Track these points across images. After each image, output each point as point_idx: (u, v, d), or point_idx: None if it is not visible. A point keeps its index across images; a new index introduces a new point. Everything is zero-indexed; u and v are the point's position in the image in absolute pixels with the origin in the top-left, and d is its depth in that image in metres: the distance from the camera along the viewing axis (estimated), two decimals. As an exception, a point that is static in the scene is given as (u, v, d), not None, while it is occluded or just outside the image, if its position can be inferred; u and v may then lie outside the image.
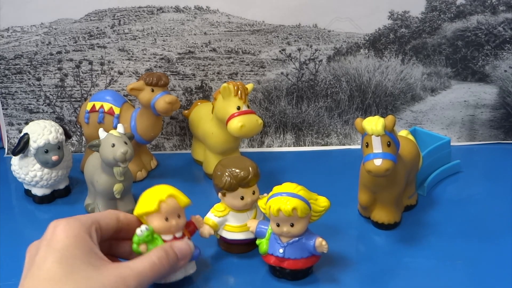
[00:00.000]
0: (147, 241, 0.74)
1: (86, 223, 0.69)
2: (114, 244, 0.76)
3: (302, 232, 0.76)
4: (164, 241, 0.75)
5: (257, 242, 0.80)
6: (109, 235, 0.73)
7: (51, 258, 0.64)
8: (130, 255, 0.76)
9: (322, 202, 0.76)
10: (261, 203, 0.78)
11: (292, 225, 0.75)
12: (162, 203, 0.73)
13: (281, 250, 0.77)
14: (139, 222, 0.76)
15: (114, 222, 0.74)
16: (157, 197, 0.74)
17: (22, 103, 1.15)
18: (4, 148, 1.17)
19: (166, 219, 0.74)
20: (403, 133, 0.97)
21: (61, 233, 0.66)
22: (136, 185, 1.02)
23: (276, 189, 0.77)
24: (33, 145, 0.94)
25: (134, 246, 0.74)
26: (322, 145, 1.18)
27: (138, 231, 0.74)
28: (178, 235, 0.76)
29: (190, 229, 0.79)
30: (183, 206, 0.75)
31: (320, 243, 0.76)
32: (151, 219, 0.74)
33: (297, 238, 0.76)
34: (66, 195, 1.01)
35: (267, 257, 0.79)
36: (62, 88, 1.14)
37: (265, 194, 0.88)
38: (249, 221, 0.82)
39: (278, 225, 0.76)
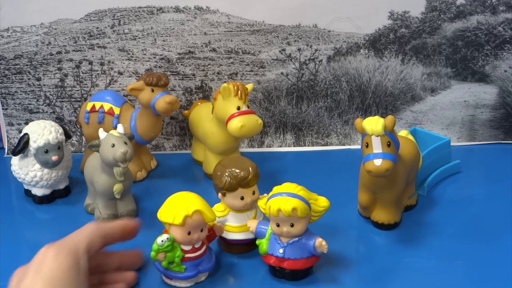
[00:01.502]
0: (167, 250, 0.74)
1: (78, 251, 0.68)
2: (102, 256, 0.77)
3: (302, 232, 0.76)
4: (183, 250, 0.76)
5: (257, 242, 0.80)
6: (97, 251, 0.73)
7: (39, 286, 0.63)
8: (119, 266, 0.76)
9: (322, 202, 0.76)
10: (261, 203, 0.78)
11: (292, 225, 0.75)
12: (188, 219, 0.74)
13: (281, 250, 0.77)
14: (124, 230, 0.76)
15: (100, 243, 0.73)
16: (184, 211, 0.74)
17: (22, 103, 1.15)
18: (4, 148, 1.17)
19: (189, 233, 0.75)
20: (403, 133, 0.97)
21: (51, 262, 0.65)
22: (136, 185, 1.02)
23: (276, 189, 0.77)
24: (33, 145, 0.94)
25: (153, 254, 0.75)
26: (322, 145, 1.18)
27: (159, 240, 0.74)
28: (197, 245, 0.77)
29: (209, 236, 0.79)
30: (208, 222, 0.76)
31: (320, 243, 0.76)
32: (174, 230, 0.75)
33: (297, 238, 0.76)
34: (66, 195, 1.01)
35: (267, 257, 0.79)
36: (62, 88, 1.14)
37: (265, 194, 0.88)
38: (249, 221, 0.82)
39: (278, 225, 0.76)
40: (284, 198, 0.75)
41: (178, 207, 0.74)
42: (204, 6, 1.10)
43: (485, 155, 1.13)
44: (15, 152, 0.95)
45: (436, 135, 1.05)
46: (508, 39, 1.11)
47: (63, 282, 0.64)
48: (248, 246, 0.85)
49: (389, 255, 0.85)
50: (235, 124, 0.94)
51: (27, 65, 1.12)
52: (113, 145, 0.86)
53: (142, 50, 1.12)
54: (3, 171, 1.10)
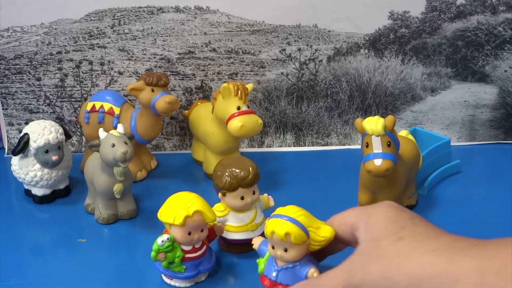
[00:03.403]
0: (167, 251, 0.74)
1: None
2: None
3: (297, 259, 0.71)
4: (183, 250, 0.76)
5: (257, 261, 0.77)
6: None
7: None
8: None
9: (323, 232, 0.71)
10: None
11: (285, 250, 0.71)
12: (188, 219, 0.74)
13: (274, 274, 0.73)
14: None
15: None
16: (184, 211, 0.73)
17: (22, 103, 1.15)
18: (4, 148, 1.17)
19: (189, 233, 0.75)
20: (403, 133, 0.97)
21: None
22: (136, 185, 1.02)
23: (279, 210, 0.72)
24: (33, 145, 0.94)
25: (153, 254, 0.75)
26: (322, 145, 1.18)
27: (159, 240, 0.74)
28: (197, 246, 0.77)
29: (209, 236, 0.79)
30: (208, 222, 0.76)
31: (312, 274, 0.71)
32: (174, 230, 0.75)
33: (291, 264, 0.72)
34: (66, 195, 1.01)
35: (262, 278, 0.75)
36: (62, 88, 1.14)
37: (266, 194, 0.88)
38: (254, 238, 0.79)
39: (273, 247, 0.72)
40: (281, 221, 0.70)
41: (179, 207, 0.74)
42: (204, 6, 1.10)
43: (485, 155, 1.13)
44: (15, 152, 0.95)
45: (436, 135, 1.05)
46: (508, 39, 1.11)
47: None
48: (248, 246, 0.84)
49: (389, 255, 0.84)
50: (235, 124, 0.94)
51: (27, 65, 1.12)
52: (113, 145, 0.86)
53: (142, 50, 1.12)
54: (3, 171, 1.10)
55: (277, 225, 0.70)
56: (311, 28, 1.12)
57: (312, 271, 0.71)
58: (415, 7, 1.11)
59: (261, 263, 0.76)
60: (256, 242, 0.78)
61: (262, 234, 0.81)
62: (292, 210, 0.71)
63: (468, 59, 1.14)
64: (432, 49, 1.14)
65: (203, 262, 0.78)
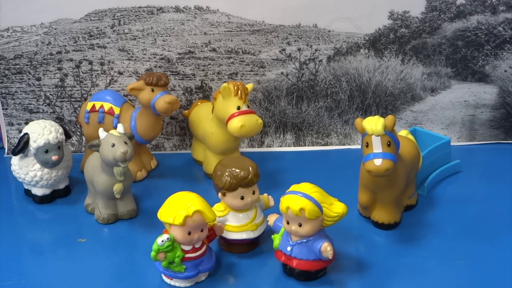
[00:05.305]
0: (167, 250, 0.74)
1: None
2: None
3: (311, 234, 0.76)
4: (183, 250, 0.76)
5: (272, 236, 0.80)
6: None
7: None
8: None
9: (336, 208, 0.76)
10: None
11: (300, 225, 0.75)
12: (188, 219, 0.74)
13: (288, 248, 0.77)
14: None
15: None
16: (184, 211, 0.74)
17: (22, 103, 1.15)
18: (4, 148, 1.17)
19: (189, 233, 0.75)
20: (403, 133, 0.97)
21: None
22: (136, 185, 1.02)
23: (293, 187, 0.77)
24: (33, 145, 0.94)
25: (153, 254, 0.75)
26: (322, 145, 1.18)
27: (159, 240, 0.74)
28: (197, 245, 0.77)
29: (209, 236, 0.79)
30: (208, 222, 0.76)
31: (325, 248, 0.75)
32: (174, 229, 0.75)
33: (305, 239, 0.76)
34: (66, 195, 1.01)
35: (278, 253, 0.79)
36: (62, 88, 1.14)
37: (265, 194, 0.88)
38: (270, 215, 0.83)
39: (288, 223, 0.76)
40: (296, 197, 0.74)
41: (179, 207, 0.74)
42: (204, 6, 1.10)
43: (485, 155, 1.13)
44: (15, 152, 0.95)
45: (436, 135, 1.05)
46: (508, 39, 1.11)
47: None
48: (248, 246, 0.85)
49: (389, 255, 0.85)
50: (235, 124, 0.94)
51: (27, 65, 1.12)
52: (113, 145, 0.86)
53: (142, 50, 1.12)
54: (3, 171, 1.10)
55: (292, 201, 0.74)
56: (311, 28, 1.12)
57: (325, 245, 0.75)
58: (415, 7, 1.11)
59: (276, 238, 0.79)
60: (271, 219, 0.82)
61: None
62: (306, 187, 0.76)
63: (468, 59, 1.14)
64: (432, 49, 1.14)
65: (203, 262, 0.78)
